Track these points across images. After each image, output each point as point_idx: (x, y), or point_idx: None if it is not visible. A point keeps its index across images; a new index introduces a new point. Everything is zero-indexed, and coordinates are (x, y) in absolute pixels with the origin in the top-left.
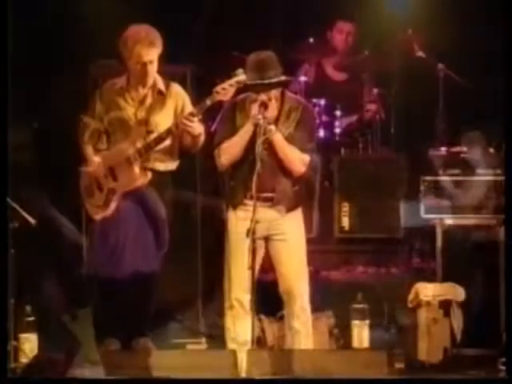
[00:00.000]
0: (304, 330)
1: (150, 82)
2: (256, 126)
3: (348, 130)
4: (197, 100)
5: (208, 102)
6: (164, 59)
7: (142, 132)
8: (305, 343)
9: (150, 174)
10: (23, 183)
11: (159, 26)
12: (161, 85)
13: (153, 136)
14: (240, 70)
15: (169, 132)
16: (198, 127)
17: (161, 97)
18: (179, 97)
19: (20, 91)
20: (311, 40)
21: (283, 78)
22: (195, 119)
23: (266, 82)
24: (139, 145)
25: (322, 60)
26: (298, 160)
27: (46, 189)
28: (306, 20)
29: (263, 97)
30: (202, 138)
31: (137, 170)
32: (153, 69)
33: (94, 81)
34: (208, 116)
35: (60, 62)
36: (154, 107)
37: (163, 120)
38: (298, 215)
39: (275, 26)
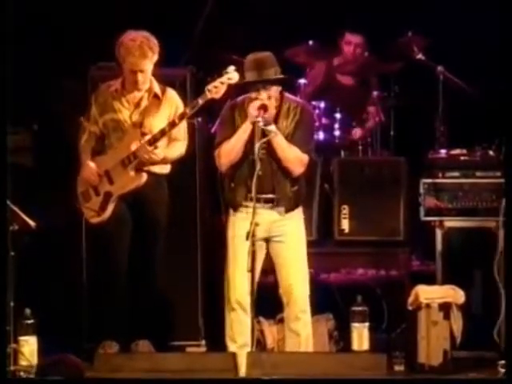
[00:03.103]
0: (304, 332)
1: (142, 87)
2: (254, 125)
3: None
4: None
5: (200, 101)
6: (164, 62)
7: (136, 134)
8: (305, 346)
9: (145, 176)
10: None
11: (159, 29)
12: (157, 89)
13: (147, 138)
14: (231, 68)
15: (163, 132)
16: (159, 154)
17: (156, 101)
18: (174, 102)
19: (20, 93)
20: (313, 43)
21: (282, 76)
22: (153, 149)
23: (266, 79)
24: (134, 147)
25: (329, 63)
26: (297, 160)
27: (45, 191)
28: (306, 23)
29: (263, 95)
30: (185, 145)
31: (132, 172)
32: (144, 77)
33: (95, 83)
34: (208, 119)
35: (60, 64)
36: (149, 110)
37: (157, 123)
38: (298, 216)
39: (277, 29)
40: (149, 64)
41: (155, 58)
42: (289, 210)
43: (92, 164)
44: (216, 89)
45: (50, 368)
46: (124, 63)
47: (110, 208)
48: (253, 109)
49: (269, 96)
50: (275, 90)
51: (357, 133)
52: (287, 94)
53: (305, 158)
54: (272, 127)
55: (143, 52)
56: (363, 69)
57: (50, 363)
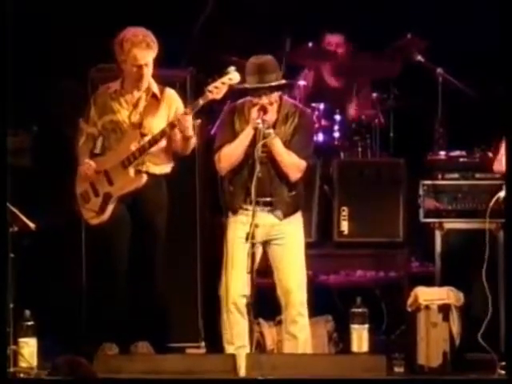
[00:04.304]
0: (302, 335)
1: (144, 85)
2: (255, 130)
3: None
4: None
5: (200, 101)
6: (164, 63)
7: (136, 135)
8: (303, 349)
9: (145, 177)
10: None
11: (159, 30)
12: (155, 89)
13: (147, 138)
14: (232, 68)
15: (163, 133)
16: (191, 129)
17: (155, 101)
18: (173, 101)
19: (20, 95)
20: (311, 45)
21: (283, 81)
22: (190, 119)
23: (267, 85)
24: (133, 148)
25: (320, 65)
26: (294, 166)
27: (45, 193)
28: (305, 24)
29: (264, 101)
30: (194, 141)
31: (132, 173)
32: (148, 72)
33: (95, 85)
34: (208, 120)
35: (60, 65)
36: (148, 111)
37: (157, 124)
38: (297, 220)
39: (274, 31)
40: (152, 57)
41: (156, 52)
42: (287, 215)
43: (92, 163)
44: (217, 89)
45: (65, 368)
46: (128, 59)
47: (110, 209)
48: (253, 112)
49: (270, 102)
50: (276, 95)
51: (351, 111)
52: (286, 98)
53: (302, 163)
54: (270, 131)
55: (148, 44)
56: (363, 70)
57: (66, 363)
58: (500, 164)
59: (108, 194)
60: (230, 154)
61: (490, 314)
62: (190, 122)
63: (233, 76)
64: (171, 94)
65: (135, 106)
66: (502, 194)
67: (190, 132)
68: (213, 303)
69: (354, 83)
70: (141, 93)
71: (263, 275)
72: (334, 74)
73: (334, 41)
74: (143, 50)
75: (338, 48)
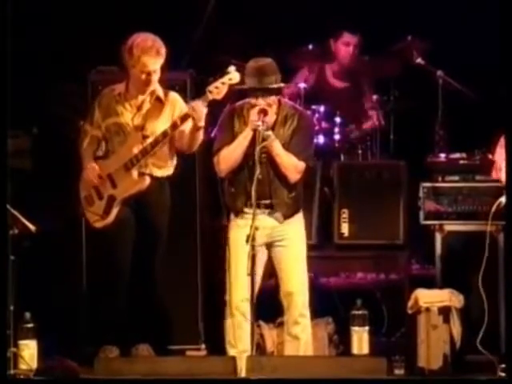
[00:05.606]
0: (303, 336)
1: (150, 90)
2: (255, 131)
3: (349, 137)
4: None
5: (201, 102)
6: (164, 66)
7: (138, 138)
8: (304, 350)
9: (148, 180)
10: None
11: (159, 34)
12: (160, 92)
13: (149, 140)
14: (232, 68)
15: (164, 134)
16: (202, 118)
17: (159, 104)
18: (177, 105)
19: (19, 97)
20: (311, 46)
21: (282, 84)
22: (203, 108)
23: (265, 87)
24: (136, 150)
25: (322, 66)
26: (293, 167)
27: (45, 195)
28: (306, 26)
29: (263, 103)
30: (201, 136)
31: (135, 175)
32: (156, 78)
33: (95, 87)
34: (208, 122)
35: (60, 67)
36: (152, 114)
37: (159, 126)
38: (299, 221)
39: (275, 32)
40: (160, 63)
41: (164, 58)
42: (287, 216)
43: (93, 165)
44: (217, 89)
45: (44, 374)
46: (137, 65)
47: (114, 212)
48: (253, 114)
49: (268, 104)
50: (274, 97)
51: (353, 132)
52: (285, 101)
53: (301, 165)
54: (269, 133)
55: (157, 50)
56: (363, 72)
57: (44, 369)
58: (496, 172)
59: (112, 197)
60: (228, 156)
61: (486, 317)
62: (203, 111)
63: (233, 76)
64: (175, 97)
65: (139, 108)
66: (503, 199)
67: (202, 122)
68: (213, 305)
69: (357, 84)
70: (145, 96)
71: (264, 277)
72: (337, 76)
73: (352, 41)
74: (153, 57)
75: (355, 49)
